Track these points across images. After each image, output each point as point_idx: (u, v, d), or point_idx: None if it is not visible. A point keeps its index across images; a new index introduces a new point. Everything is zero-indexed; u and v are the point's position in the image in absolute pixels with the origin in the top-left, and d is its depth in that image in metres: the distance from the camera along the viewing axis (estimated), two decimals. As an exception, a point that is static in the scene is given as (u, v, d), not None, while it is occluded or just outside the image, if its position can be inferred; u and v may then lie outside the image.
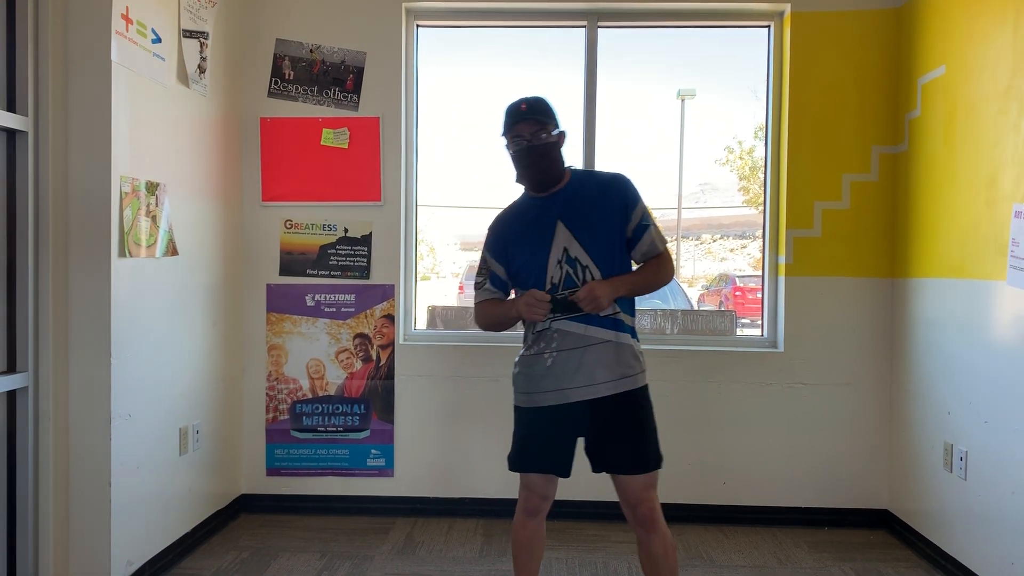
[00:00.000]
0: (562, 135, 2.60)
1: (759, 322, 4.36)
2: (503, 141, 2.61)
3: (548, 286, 2.54)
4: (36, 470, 2.93)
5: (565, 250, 2.53)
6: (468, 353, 4.24)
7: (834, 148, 4.08)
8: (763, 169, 4.31)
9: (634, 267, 2.65)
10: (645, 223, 2.59)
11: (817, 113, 4.09)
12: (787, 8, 4.12)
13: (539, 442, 2.63)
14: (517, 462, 2.68)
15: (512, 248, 2.64)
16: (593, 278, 2.52)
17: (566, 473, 2.63)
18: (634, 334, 2.62)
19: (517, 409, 2.70)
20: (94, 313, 3.01)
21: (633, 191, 2.61)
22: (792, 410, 4.13)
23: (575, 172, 2.67)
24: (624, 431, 2.54)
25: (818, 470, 4.14)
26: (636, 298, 2.67)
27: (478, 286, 2.74)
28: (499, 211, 2.76)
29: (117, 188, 3.05)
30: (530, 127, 2.52)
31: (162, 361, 3.43)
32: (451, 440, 4.23)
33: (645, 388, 2.60)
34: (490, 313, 2.70)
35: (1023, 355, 2.99)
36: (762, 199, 4.36)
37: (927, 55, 3.75)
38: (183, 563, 3.55)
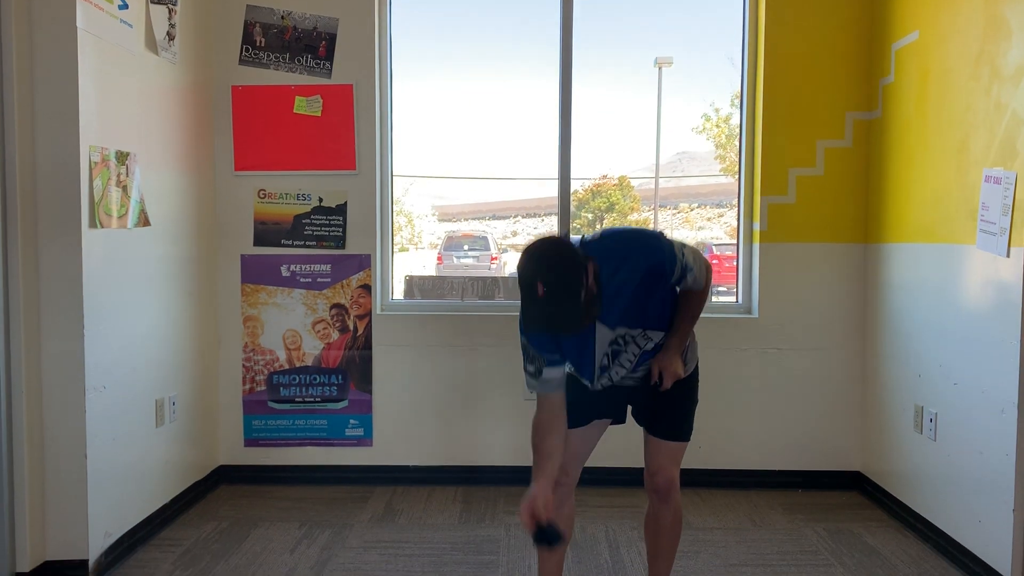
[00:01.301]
0: (588, 272, 2.14)
1: (735, 289, 4.39)
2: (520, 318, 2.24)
3: (598, 372, 2.46)
4: (10, 443, 2.91)
5: (608, 343, 2.42)
6: (446, 322, 4.24)
7: (809, 115, 4.09)
8: (739, 137, 4.32)
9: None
10: (685, 272, 2.38)
11: (792, 80, 4.09)
12: (762, -27, 4.11)
13: (586, 403, 2.55)
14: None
15: (560, 344, 2.41)
16: (649, 339, 2.43)
17: (618, 418, 2.62)
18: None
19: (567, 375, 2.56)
20: (66, 285, 2.97)
21: (666, 251, 2.34)
22: (766, 375, 4.17)
23: (602, 258, 2.26)
24: (668, 409, 2.53)
25: (792, 434, 4.20)
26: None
27: (532, 376, 2.41)
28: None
29: (86, 158, 3.00)
30: (568, 325, 2.14)
31: (136, 333, 3.41)
32: (430, 409, 4.25)
33: (693, 376, 2.57)
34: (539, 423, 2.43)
35: (992, 318, 3.04)
36: (738, 167, 4.37)
37: (901, 21, 3.76)
38: (162, 534, 3.55)
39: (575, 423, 2.53)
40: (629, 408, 2.63)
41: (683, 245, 2.41)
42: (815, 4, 4.06)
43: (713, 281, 2.56)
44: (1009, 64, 2.95)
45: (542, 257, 2.14)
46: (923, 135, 3.56)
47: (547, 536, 2.28)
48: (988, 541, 3.05)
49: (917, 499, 3.60)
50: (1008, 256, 2.92)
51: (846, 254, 4.14)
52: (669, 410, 2.53)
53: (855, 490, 4.16)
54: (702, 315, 2.52)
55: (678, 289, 2.48)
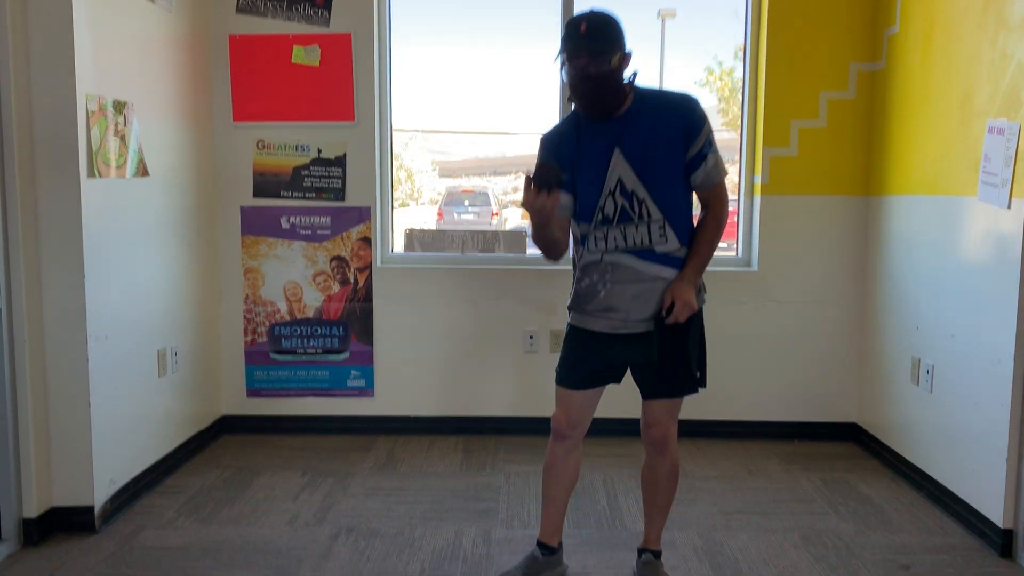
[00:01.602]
0: (626, 59, 2.34)
1: (734, 244, 4.39)
2: (559, 59, 2.34)
3: (598, 217, 2.41)
4: (15, 392, 2.93)
5: (620, 181, 2.38)
6: (446, 276, 4.25)
7: (812, 66, 4.05)
8: (742, 89, 4.27)
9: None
10: (705, 151, 2.38)
11: (796, 30, 4.03)
12: (768, -80, 4.03)
13: (587, 360, 2.55)
14: (562, 376, 2.60)
15: (575, 159, 2.42)
16: (649, 212, 2.37)
17: (615, 381, 2.60)
18: None
19: (569, 326, 2.59)
20: (65, 235, 2.97)
21: (699, 114, 2.39)
22: (765, 327, 4.19)
23: (639, 91, 2.42)
24: (668, 362, 2.48)
25: (790, 385, 4.23)
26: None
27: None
28: (551, 128, 2.55)
29: (83, 107, 2.98)
30: (589, 56, 2.26)
31: (137, 284, 3.42)
32: (430, 361, 4.28)
33: (697, 314, 2.49)
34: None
35: (991, 269, 3.04)
36: (740, 120, 4.34)
37: (907, -31, 3.70)
38: (167, 481, 3.60)
39: (579, 385, 2.56)
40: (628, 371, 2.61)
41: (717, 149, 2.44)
42: (821, -48, 4.00)
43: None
44: (1016, 13, 2.91)
45: (594, 10, 2.33)
46: (927, 86, 3.52)
47: (546, 175, 2.21)
48: (981, 490, 3.09)
49: (912, 450, 3.64)
50: (1009, 208, 2.91)
51: (847, 207, 4.12)
52: (660, 370, 2.50)
53: (851, 441, 4.21)
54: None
55: (695, 197, 2.48)
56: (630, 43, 2.36)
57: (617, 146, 2.38)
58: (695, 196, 2.51)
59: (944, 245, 3.39)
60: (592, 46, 2.27)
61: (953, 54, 3.32)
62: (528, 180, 2.20)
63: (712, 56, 5.35)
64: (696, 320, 2.50)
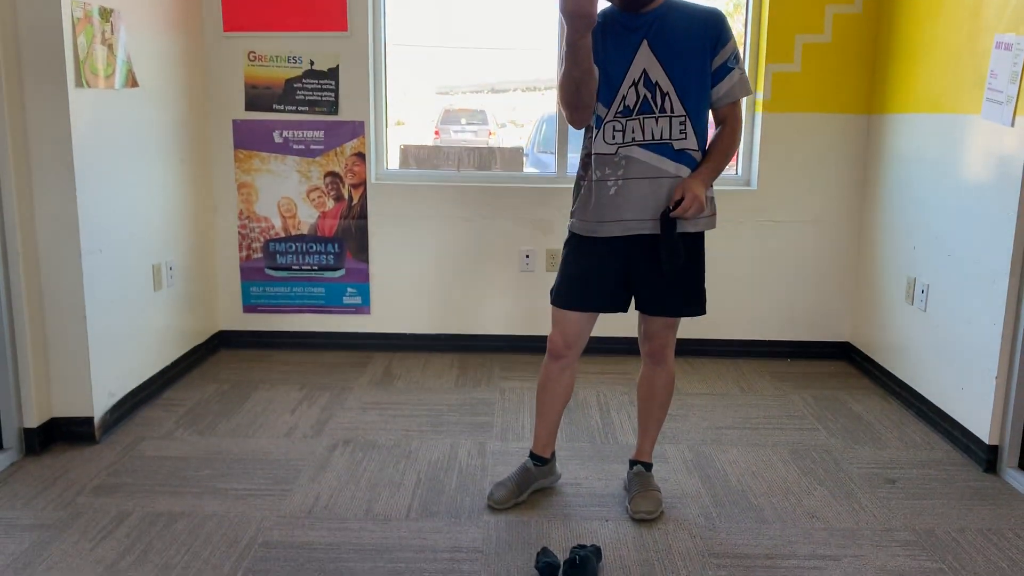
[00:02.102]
0: None
1: (734, 162, 4.34)
2: None
3: (619, 107, 2.37)
4: (10, 304, 2.93)
5: (644, 72, 2.35)
6: (441, 193, 4.21)
7: (819, -23, 3.93)
8: (745, 3, 4.16)
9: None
10: (731, 65, 2.39)
11: (803, -61, 3.91)
12: None
13: (588, 277, 2.51)
14: (562, 297, 2.55)
15: (598, 43, 2.32)
16: (672, 107, 2.35)
17: (619, 308, 2.55)
18: None
19: (572, 237, 2.54)
20: (55, 146, 2.93)
21: (727, 29, 2.39)
22: (762, 247, 4.18)
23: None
24: (676, 276, 2.46)
25: (784, 305, 4.25)
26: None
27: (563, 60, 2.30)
28: None
29: (68, 13, 2.89)
30: None
31: (130, 197, 3.38)
32: (426, 279, 4.28)
33: (702, 234, 2.50)
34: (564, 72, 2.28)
35: (991, 188, 3.02)
36: (744, 35, 4.24)
37: None
38: (165, 394, 3.64)
39: (579, 305, 2.54)
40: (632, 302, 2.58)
41: (742, 65, 2.45)
42: None
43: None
44: (1031, -80, 2.81)
45: None
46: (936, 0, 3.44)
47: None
48: (969, 407, 3.13)
49: (904, 368, 3.68)
50: (1012, 125, 2.87)
51: (850, 124, 4.07)
52: (665, 288, 2.49)
53: (844, 360, 4.25)
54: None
55: (712, 115, 2.46)
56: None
57: (645, 38, 2.35)
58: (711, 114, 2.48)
59: (945, 164, 3.36)
60: None
61: (964, -35, 3.22)
62: None
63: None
64: (701, 243, 2.51)
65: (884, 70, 3.89)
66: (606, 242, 2.46)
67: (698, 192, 2.33)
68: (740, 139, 2.52)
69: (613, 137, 2.40)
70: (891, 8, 3.81)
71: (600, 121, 2.42)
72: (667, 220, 2.38)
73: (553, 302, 2.58)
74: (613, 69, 2.37)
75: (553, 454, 2.78)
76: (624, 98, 2.38)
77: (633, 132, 2.38)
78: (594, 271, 2.51)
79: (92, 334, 3.08)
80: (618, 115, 2.39)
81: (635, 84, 2.36)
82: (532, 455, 2.75)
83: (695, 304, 2.57)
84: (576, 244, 2.53)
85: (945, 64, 3.35)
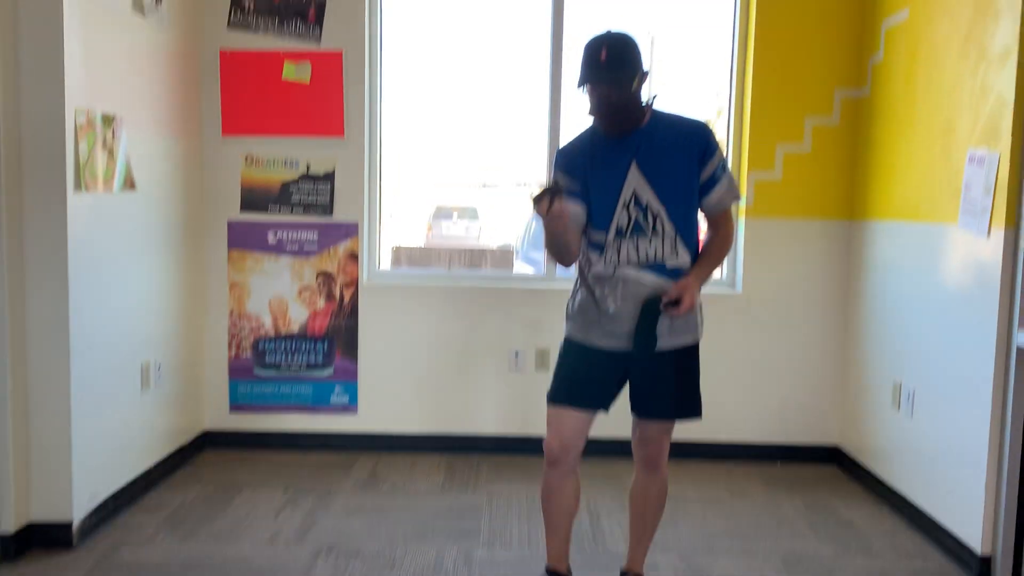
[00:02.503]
0: (644, 78, 2.39)
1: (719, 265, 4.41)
2: (582, 88, 2.39)
3: (614, 231, 2.43)
4: (-5, 405, 2.92)
5: (635, 193, 2.41)
6: (432, 293, 4.25)
7: (797, 90, 4.09)
8: (727, 111, 4.31)
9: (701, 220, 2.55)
10: (718, 175, 2.45)
11: (782, 55, 4.08)
12: (755, -53, 4.08)
13: (583, 378, 2.53)
14: (556, 393, 2.54)
15: (589, 172, 2.45)
16: (662, 226, 2.41)
17: (605, 408, 2.56)
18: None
19: (568, 340, 2.57)
20: (51, 247, 2.96)
21: (713, 140, 2.46)
22: (749, 350, 4.22)
23: (656, 113, 2.48)
24: (670, 384, 2.50)
25: (773, 408, 4.25)
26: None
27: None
28: (570, 139, 2.58)
29: (72, 120, 2.98)
30: (610, 84, 2.33)
31: (122, 297, 3.40)
32: (415, 378, 4.27)
33: (697, 343, 2.56)
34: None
35: (971, 296, 3.08)
36: (726, 143, 4.38)
37: (892, -2, 3.76)
38: (147, 497, 3.58)
39: (576, 402, 2.51)
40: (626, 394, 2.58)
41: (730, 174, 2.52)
42: (807, -20, 4.05)
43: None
44: (996, 45, 2.96)
45: (611, 32, 2.38)
46: (910, 114, 3.57)
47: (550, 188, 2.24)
48: (960, 516, 3.11)
49: (893, 474, 3.67)
50: (988, 236, 2.95)
51: (831, 230, 4.16)
52: (664, 396, 2.51)
53: (833, 464, 4.23)
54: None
55: (703, 221, 2.53)
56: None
57: (634, 159, 2.42)
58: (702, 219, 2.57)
59: (926, 270, 3.43)
60: (612, 75, 2.32)
61: (936, 83, 3.37)
62: (539, 195, 2.22)
63: (700, 77, 5.41)
64: (693, 353, 2.55)
65: (863, 179, 4.01)
66: (602, 353, 2.50)
67: (693, 293, 2.39)
68: (732, 242, 2.61)
69: (609, 259, 2.46)
70: (868, 121, 3.96)
71: (595, 245, 2.48)
72: (652, 309, 2.40)
73: (549, 400, 2.56)
74: (605, 195, 2.44)
75: (569, 568, 2.66)
76: (617, 220, 2.44)
77: (628, 253, 2.44)
78: (590, 371, 2.52)
79: (76, 435, 3.05)
80: (613, 237, 2.44)
81: (627, 206, 2.42)
82: (549, 570, 2.64)
83: (690, 408, 2.56)
84: (572, 347, 2.56)
85: (922, 175, 3.47)
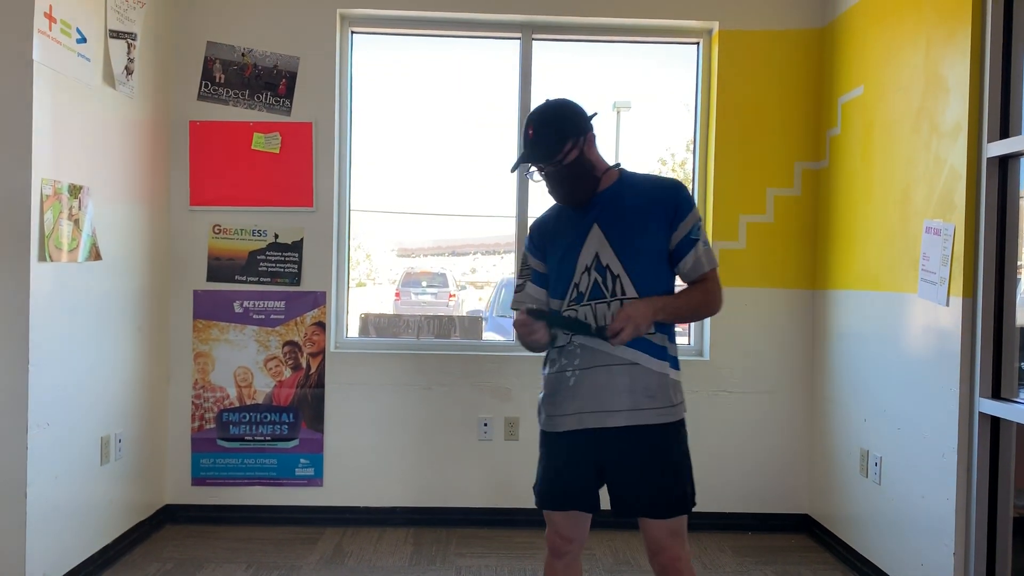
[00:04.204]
0: (586, 140, 2.29)
1: (686, 331, 4.45)
2: (520, 168, 2.37)
3: (572, 294, 2.30)
4: (-54, 481, 2.83)
5: (596, 256, 2.28)
6: (400, 361, 4.23)
7: (759, 163, 4.20)
8: (692, 182, 4.41)
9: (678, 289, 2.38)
10: (693, 237, 2.29)
11: (743, 129, 4.20)
12: (715, 26, 4.23)
13: (559, 474, 2.35)
14: (540, 497, 2.40)
15: (549, 246, 2.39)
16: (623, 290, 2.25)
17: (592, 508, 2.35)
18: (673, 362, 2.34)
19: (542, 433, 2.42)
20: (12, 318, 2.92)
21: (685, 199, 2.31)
22: (716, 417, 4.23)
23: (625, 174, 2.38)
24: (645, 469, 2.28)
25: (741, 476, 4.24)
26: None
27: (518, 289, 2.44)
28: (543, 210, 2.50)
29: (38, 191, 2.97)
30: (540, 159, 2.27)
31: (84, 368, 3.34)
32: (382, 449, 4.21)
33: (680, 423, 2.35)
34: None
35: (932, 364, 3.13)
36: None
37: (847, 75, 3.90)
38: (103, 575, 3.46)
39: (559, 505, 2.37)
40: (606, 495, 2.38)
41: (706, 238, 2.38)
42: (766, 57, 4.20)
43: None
44: (947, 121, 3.08)
45: (540, 105, 2.34)
46: (868, 185, 3.68)
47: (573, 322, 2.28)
48: (930, 584, 3.10)
49: (863, 543, 3.66)
50: (947, 305, 3.02)
51: (795, 299, 4.23)
52: (644, 483, 2.30)
53: (803, 532, 4.21)
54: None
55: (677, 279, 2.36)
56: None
57: (596, 221, 2.31)
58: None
59: (888, 339, 3.49)
60: (540, 151, 2.27)
61: (891, 156, 3.48)
62: (520, 320, 2.25)
63: (665, 148, 5.54)
64: (672, 434, 2.35)
65: (825, 249, 4.10)
66: (570, 437, 2.32)
67: (640, 319, 2.18)
68: (714, 301, 2.35)
69: (568, 315, 2.33)
70: (828, 192, 4.07)
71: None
72: (581, 324, 2.28)
73: (536, 503, 2.41)
74: (564, 262, 2.33)
75: None
76: (577, 285, 2.31)
77: (586, 319, 2.29)
78: (567, 469, 2.35)
79: (31, 511, 2.96)
80: (571, 303, 2.32)
81: (588, 270, 2.30)
82: None
83: (676, 500, 2.32)
84: (546, 441, 2.41)
85: (881, 245, 3.55)
